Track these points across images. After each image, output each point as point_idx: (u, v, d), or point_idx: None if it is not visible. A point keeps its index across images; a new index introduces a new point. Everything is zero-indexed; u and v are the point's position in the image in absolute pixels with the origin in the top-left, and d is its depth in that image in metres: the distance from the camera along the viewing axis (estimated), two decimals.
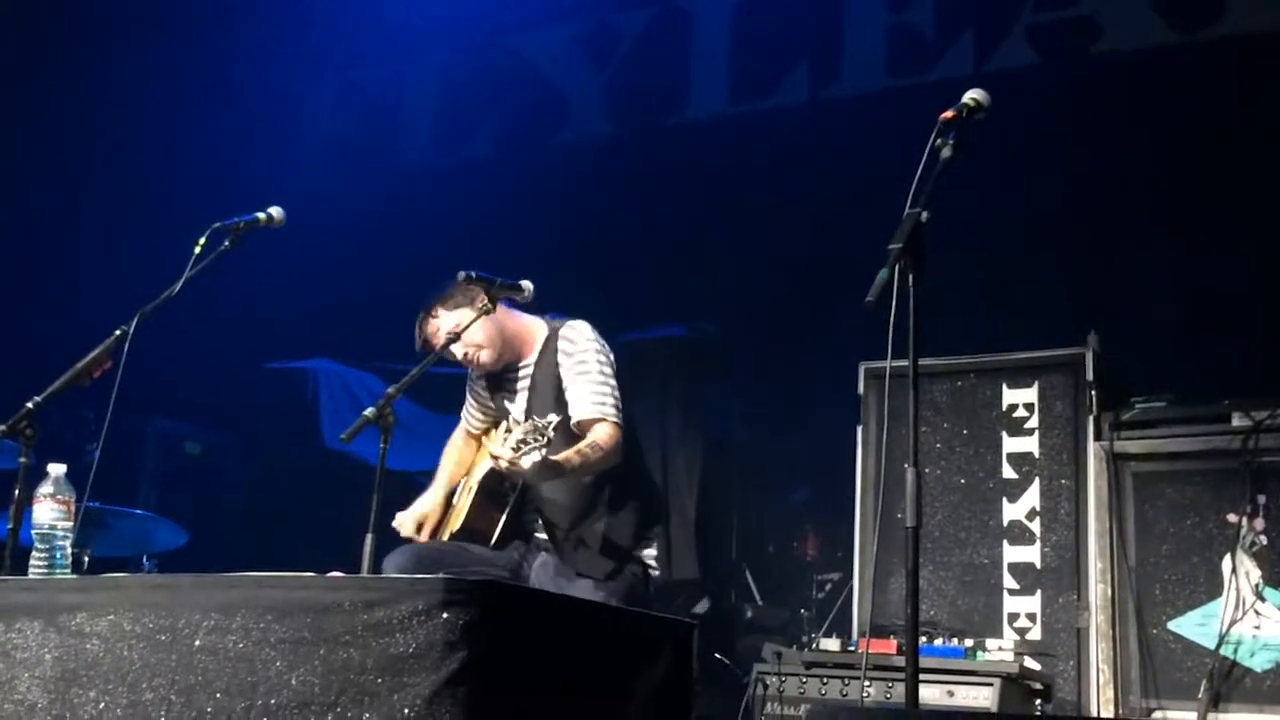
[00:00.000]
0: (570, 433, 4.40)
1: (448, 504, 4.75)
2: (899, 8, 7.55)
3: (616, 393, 4.47)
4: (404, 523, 4.64)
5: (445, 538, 4.61)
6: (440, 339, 4.44)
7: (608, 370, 4.49)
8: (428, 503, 4.73)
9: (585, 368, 4.47)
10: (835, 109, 7.52)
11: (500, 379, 4.73)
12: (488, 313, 4.36)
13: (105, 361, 4.01)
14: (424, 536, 4.62)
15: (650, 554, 4.53)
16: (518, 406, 4.65)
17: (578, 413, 4.43)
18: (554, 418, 4.04)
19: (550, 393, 4.50)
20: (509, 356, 4.65)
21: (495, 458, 4.10)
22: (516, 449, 3.97)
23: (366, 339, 8.12)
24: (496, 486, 4.43)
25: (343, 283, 8.21)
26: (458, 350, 4.52)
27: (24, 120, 7.94)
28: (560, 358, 4.53)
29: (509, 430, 4.48)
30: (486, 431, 4.88)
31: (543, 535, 4.54)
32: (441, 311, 4.54)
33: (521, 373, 4.66)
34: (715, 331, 7.28)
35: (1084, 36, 6.87)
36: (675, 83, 8.14)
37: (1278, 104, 6.11)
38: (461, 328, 4.38)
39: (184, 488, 7.92)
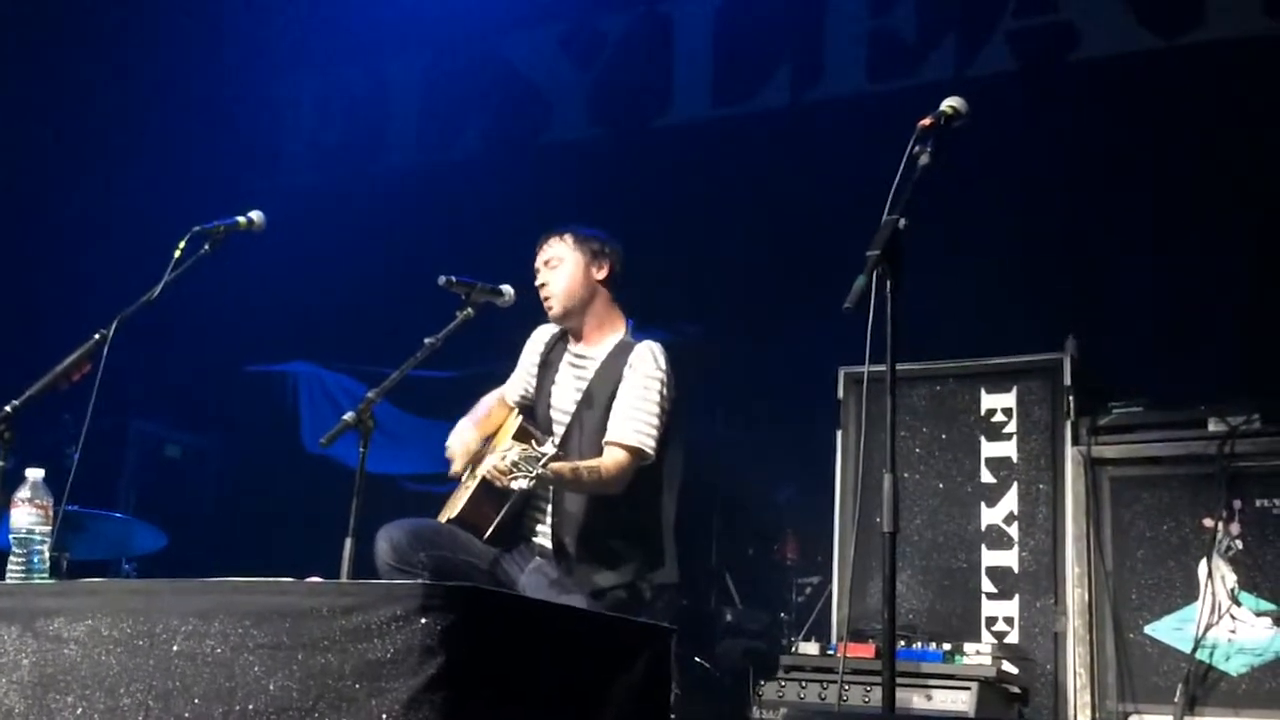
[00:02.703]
0: (598, 449, 4.41)
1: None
2: (880, 12, 7.57)
3: (659, 430, 4.44)
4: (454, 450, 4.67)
5: (443, 521, 4.58)
6: (540, 259, 4.63)
7: (665, 405, 4.46)
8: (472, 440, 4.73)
9: (647, 394, 4.44)
10: (817, 113, 7.53)
11: (559, 356, 4.72)
12: (469, 318, 4.37)
13: (84, 365, 4.01)
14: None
15: (645, 585, 4.52)
16: (565, 395, 4.63)
17: (613, 432, 4.41)
18: (551, 448, 4.03)
19: (605, 399, 4.49)
20: (575, 321, 4.65)
21: (493, 470, 4.10)
22: (509, 471, 3.97)
23: (347, 342, 8.12)
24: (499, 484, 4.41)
25: (324, 285, 8.20)
26: (540, 279, 4.62)
27: (7, 123, 7.93)
28: (627, 370, 4.49)
29: (523, 428, 4.49)
30: (517, 410, 4.84)
31: (539, 540, 4.52)
32: (563, 236, 4.64)
33: (586, 362, 4.64)
34: (697, 334, 7.28)
35: (1063, 42, 6.89)
36: (658, 86, 8.15)
37: (1256, 109, 6.14)
38: (555, 264, 4.60)
39: (163, 490, 7.90)
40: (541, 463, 3.94)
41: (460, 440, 4.68)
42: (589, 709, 2.98)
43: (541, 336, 4.83)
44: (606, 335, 4.65)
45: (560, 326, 4.74)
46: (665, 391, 4.47)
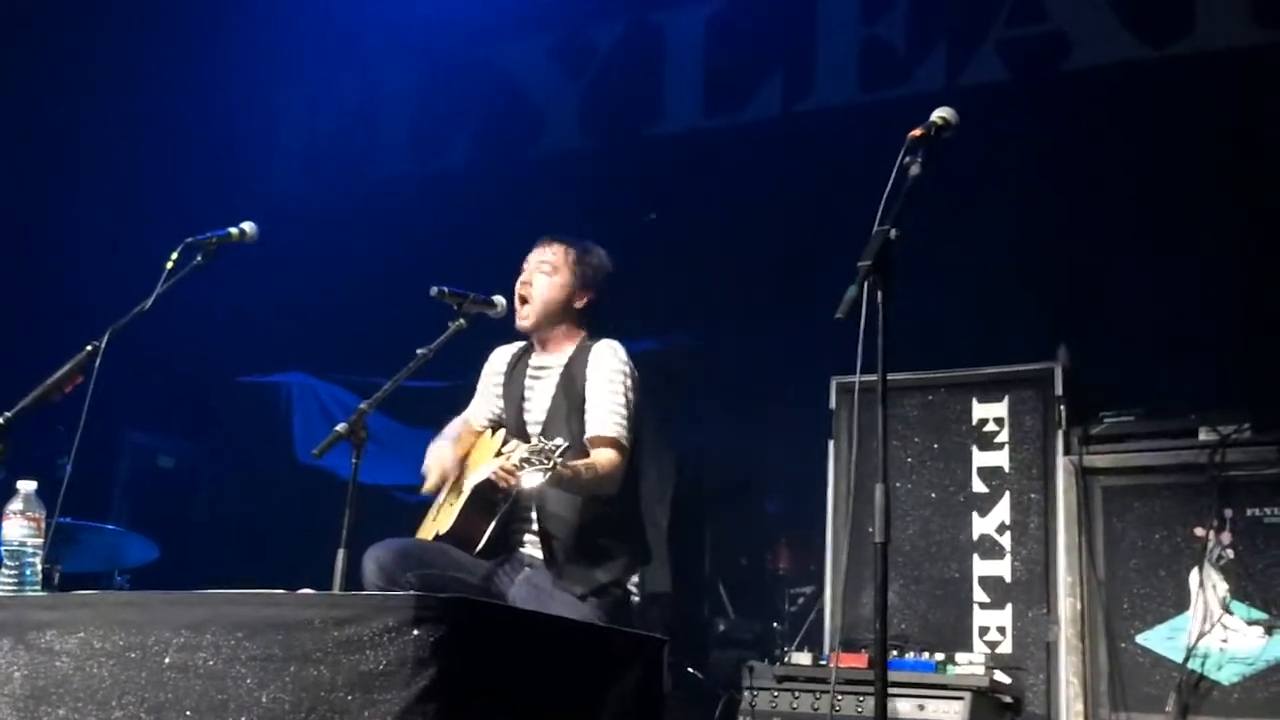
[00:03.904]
0: (580, 448, 4.39)
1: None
2: (871, 21, 7.58)
3: (629, 420, 4.45)
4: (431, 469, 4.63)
5: (431, 539, 4.57)
6: (533, 259, 4.61)
7: (631, 396, 4.47)
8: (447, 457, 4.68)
9: (613, 386, 4.45)
10: (808, 122, 7.53)
11: (523, 373, 4.72)
12: (461, 329, 4.37)
13: (76, 376, 4.00)
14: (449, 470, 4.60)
15: (634, 582, 4.52)
16: (536, 404, 4.62)
17: (593, 428, 4.41)
18: (562, 442, 4.02)
19: (575, 399, 4.49)
20: (545, 333, 4.64)
21: (499, 470, 4.10)
22: (520, 466, 3.96)
23: (340, 352, 8.12)
24: (489, 495, 4.38)
25: (316, 296, 8.19)
26: (523, 278, 4.61)
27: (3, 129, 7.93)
28: (589, 370, 4.51)
29: (506, 441, 4.49)
30: (491, 430, 4.84)
31: (527, 550, 4.52)
32: (565, 251, 4.62)
33: (548, 372, 4.64)
34: (688, 344, 7.29)
35: (1054, 51, 6.91)
36: (649, 96, 8.15)
37: (1246, 118, 6.16)
38: (549, 271, 4.57)
39: (156, 502, 7.89)
40: (559, 452, 3.94)
41: (438, 457, 4.67)
42: (582, 719, 2.98)
43: (502, 357, 4.84)
44: (565, 344, 4.66)
45: (530, 345, 4.74)
46: (629, 382, 4.49)
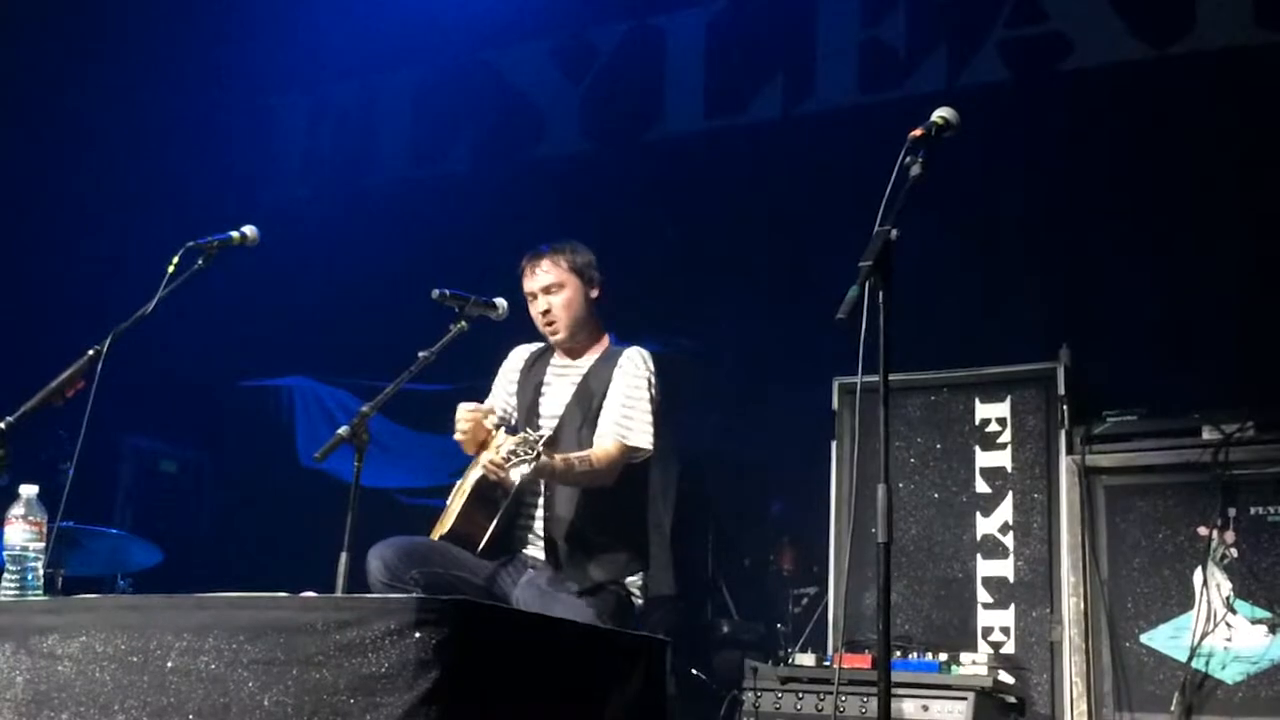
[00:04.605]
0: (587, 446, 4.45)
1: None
2: (871, 23, 7.57)
3: (654, 424, 4.48)
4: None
5: (435, 538, 4.58)
6: (538, 285, 4.60)
7: (652, 404, 4.51)
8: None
9: (638, 391, 4.50)
10: (809, 124, 7.53)
11: (543, 370, 4.74)
12: (462, 331, 4.38)
13: (78, 381, 4.00)
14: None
15: (635, 581, 4.52)
16: (552, 400, 4.65)
17: (601, 425, 4.47)
18: (546, 433, 4.05)
19: (596, 400, 4.53)
20: (576, 341, 4.68)
21: (488, 464, 4.11)
22: (506, 460, 3.99)
23: (342, 356, 8.12)
24: (488, 493, 4.40)
25: (318, 299, 8.20)
26: (540, 305, 4.61)
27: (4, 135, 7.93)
28: (617, 372, 4.55)
29: (503, 437, 4.50)
30: (496, 430, 4.83)
31: (530, 551, 4.53)
32: (558, 261, 4.62)
33: (572, 370, 4.68)
34: (691, 346, 7.29)
35: (1055, 51, 6.90)
36: (650, 98, 8.14)
37: (1247, 117, 6.15)
38: (556, 290, 4.59)
39: (159, 506, 7.91)
40: (543, 441, 3.96)
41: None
42: None
43: (521, 355, 4.86)
44: (592, 346, 4.70)
45: (551, 345, 4.75)
46: (654, 392, 4.54)
